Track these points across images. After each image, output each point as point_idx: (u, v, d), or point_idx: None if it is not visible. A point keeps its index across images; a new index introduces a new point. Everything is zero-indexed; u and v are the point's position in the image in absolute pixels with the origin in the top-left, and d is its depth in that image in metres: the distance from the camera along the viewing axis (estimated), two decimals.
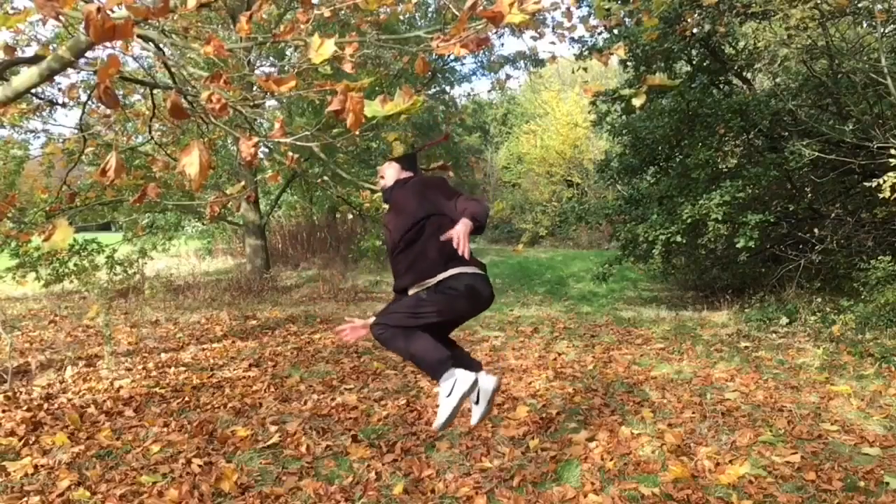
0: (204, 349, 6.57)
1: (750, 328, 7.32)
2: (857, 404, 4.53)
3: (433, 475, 3.44)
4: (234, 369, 5.73)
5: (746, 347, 6.41)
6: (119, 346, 6.61)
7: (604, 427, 4.12)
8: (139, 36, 2.53)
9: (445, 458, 3.68)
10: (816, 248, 8.63)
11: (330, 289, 11.17)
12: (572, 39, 10.64)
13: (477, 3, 1.83)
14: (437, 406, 2.98)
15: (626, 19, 8.09)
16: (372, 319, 2.99)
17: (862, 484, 3.28)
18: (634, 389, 5.02)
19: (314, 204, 17.07)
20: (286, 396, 4.91)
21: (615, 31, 8.71)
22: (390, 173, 3.18)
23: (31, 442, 3.93)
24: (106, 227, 17.76)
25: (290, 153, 3.00)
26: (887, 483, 3.28)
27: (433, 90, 15.62)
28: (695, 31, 7.52)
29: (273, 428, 4.16)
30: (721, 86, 9.89)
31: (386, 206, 3.30)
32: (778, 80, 9.70)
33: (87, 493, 3.23)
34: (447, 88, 16.47)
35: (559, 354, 6.23)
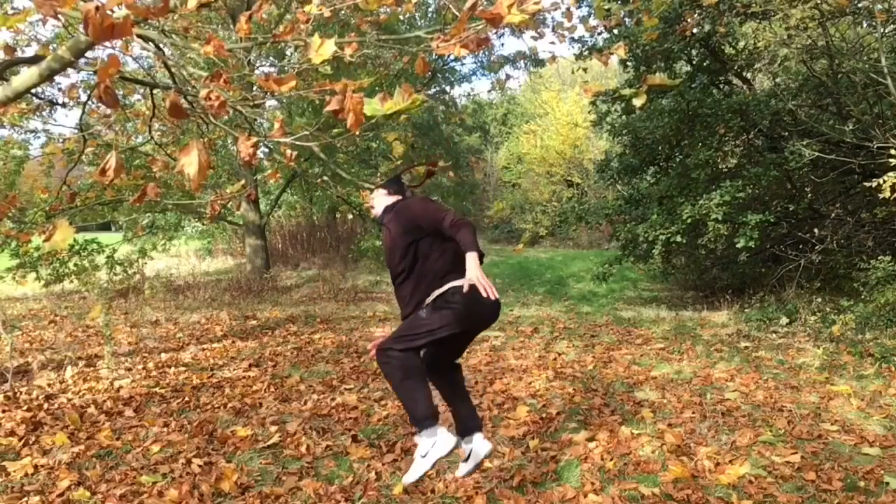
0: (204, 349, 6.57)
1: (750, 328, 7.32)
2: (857, 404, 4.53)
3: (433, 475, 3.44)
4: (234, 369, 5.73)
5: (746, 347, 6.41)
6: (119, 346, 6.61)
7: (604, 427, 4.12)
8: (139, 36, 2.53)
9: (445, 458, 3.68)
10: (816, 248, 8.63)
11: (330, 289, 11.17)
12: (572, 39, 10.65)
13: (477, 3, 1.83)
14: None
15: (626, 19, 8.10)
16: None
17: (862, 484, 3.28)
18: (634, 389, 5.02)
19: (314, 204, 17.07)
20: (286, 396, 4.91)
21: (615, 31, 8.71)
22: (378, 202, 3.13)
23: (31, 442, 3.93)
24: (106, 227, 17.76)
25: (290, 151, 3.00)
26: (887, 483, 3.28)
27: (433, 90, 15.62)
28: (695, 31, 7.52)
29: (273, 428, 4.16)
30: (721, 86, 9.90)
31: None
32: (778, 80, 9.70)
33: (87, 493, 3.23)
34: (447, 88, 16.47)
35: (559, 354, 6.23)
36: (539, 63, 14.27)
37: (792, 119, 8.92)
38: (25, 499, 3.19)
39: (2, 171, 9.46)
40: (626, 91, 3.43)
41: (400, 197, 3.10)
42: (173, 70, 3.35)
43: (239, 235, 15.70)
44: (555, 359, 6.02)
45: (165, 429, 4.18)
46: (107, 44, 1.46)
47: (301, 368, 5.78)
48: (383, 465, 3.57)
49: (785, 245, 9.42)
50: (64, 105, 6.72)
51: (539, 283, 12.96)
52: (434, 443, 2.81)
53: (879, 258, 6.96)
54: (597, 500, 3.14)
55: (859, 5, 7.29)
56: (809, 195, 9.12)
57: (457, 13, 1.97)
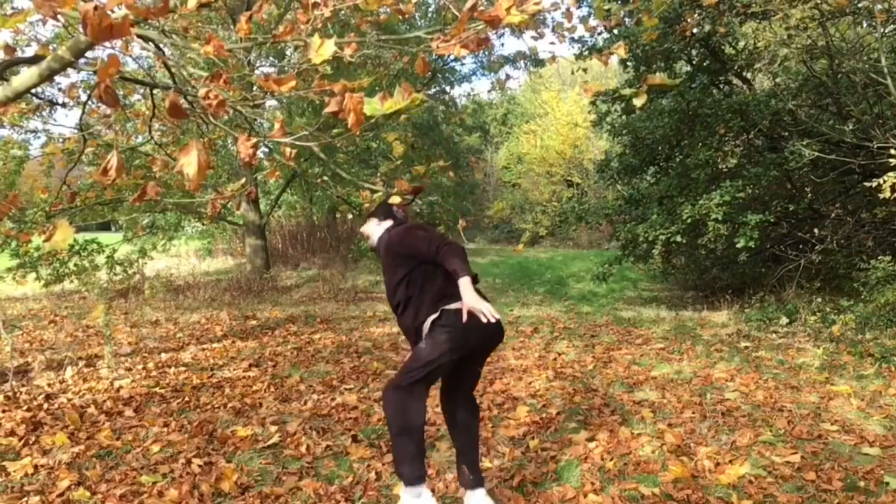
0: (204, 349, 6.57)
1: (750, 328, 7.32)
2: (857, 404, 4.53)
3: (433, 475, 3.44)
4: (234, 369, 5.73)
5: (746, 347, 6.41)
6: (119, 347, 6.61)
7: (604, 427, 4.12)
8: (139, 36, 2.53)
9: (445, 458, 3.68)
10: (816, 248, 8.63)
11: (330, 289, 11.17)
12: (572, 39, 10.64)
13: (477, 4, 1.83)
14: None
15: (626, 19, 8.10)
16: None
17: (862, 484, 3.28)
18: (634, 389, 5.02)
19: (314, 204, 17.08)
20: (286, 396, 4.91)
21: (615, 31, 8.71)
22: (371, 230, 3.12)
23: (31, 442, 3.93)
24: (106, 227, 17.76)
25: (290, 151, 2.99)
26: (887, 483, 3.28)
27: (433, 90, 15.62)
28: (695, 31, 7.52)
29: (273, 428, 4.16)
30: (721, 86, 9.90)
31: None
32: (778, 80, 9.70)
33: (87, 493, 3.23)
34: (447, 88, 16.48)
35: (559, 354, 6.23)
36: (539, 63, 14.27)
37: (792, 119, 8.92)
38: (25, 499, 3.19)
39: (2, 171, 9.46)
40: (626, 91, 3.43)
41: (391, 222, 3.08)
42: (173, 70, 3.35)
43: (239, 235, 15.71)
44: (555, 359, 6.02)
45: (165, 429, 4.18)
46: (107, 44, 1.46)
47: (301, 368, 5.78)
48: (383, 465, 3.57)
49: (785, 245, 9.42)
50: (64, 105, 6.73)
51: (539, 283, 12.96)
52: (416, 502, 2.76)
53: (879, 258, 6.97)
54: (597, 500, 3.14)
55: (859, 5, 7.29)
56: (809, 195, 9.12)
57: (457, 13, 1.97)
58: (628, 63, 9.64)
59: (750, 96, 8.85)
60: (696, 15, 7.94)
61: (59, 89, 7.96)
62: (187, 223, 14.83)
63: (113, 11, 1.89)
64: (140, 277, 11.09)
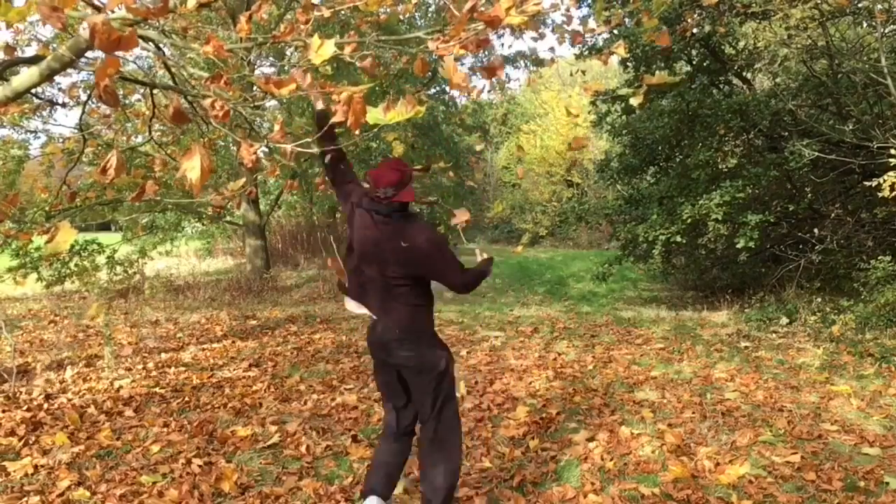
0: (204, 349, 6.57)
1: (750, 328, 7.32)
2: (857, 404, 4.54)
3: None
4: (234, 369, 5.73)
5: (746, 347, 6.41)
6: (119, 347, 6.61)
7: (604, 427, 4.12)
8: (139, 36, 2.53)
9: None
10: (816, 248, 8.63)
11: (330, 289, 11.16)
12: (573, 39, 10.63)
13: (476, 4, 1.83)
14: None
15: (627, 19, 8.09)
16: None
17: (862, 484, 3.28)
18: (634, 389, 5.02)
19: (314, 204, 17.07)
20: (286, 396, 4.91)
21: (615, 31, 8.71)
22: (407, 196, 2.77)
23: (31, 442, 3.93)
24: (106, 227, 17.76)
25: (290, 151, 2.99)
26: (887, 483, 3.28)
27: (433, 90, 15.61)
28: (695, 31, 7.51)
29: (273, 428, 4.16)
30: (721, 86, 9.90)
31: None
32: (778, 80, 9.70)
33: (87, 493, 3.23)
34: (447, 88, 16.45)
35: (559, 354, 6.23)
36: (539, 63, 14.26)
37: (792, 119, 8.92)
38: (25, 499, 3.19)
39: (2, 170, 9.46)
40: (624, 91, 3.43)
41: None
42: (173, 70, 3.35)
43: (239, 235, 15.70)
44: (555, 359, 6.02)
45: (165, 429, 4.18)
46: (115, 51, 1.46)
47: (301, 368, 5.78)
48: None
49: (785, 245, 9.42)
50: (64, 105, 6.73)
51: (539, 283, 12.96)
52: None
53: (879, 258, 6.97)
54: (597, 500, 3.14)
55: (859, 5, 7.29)
56: (809, 195, 9.12)
57: (457, 13, 1.98)
58: (628, 63, 9.64)
59: (750, 96, 8.85)
60: (695, 15, 7.95)
61: (59, 89, 7.96)
62: (187, 223, 14.82)
63: (113, 11, 1.89)
64: (140, 277, 11.09)
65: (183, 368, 5.74)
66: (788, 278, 8.87)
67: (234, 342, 6.90)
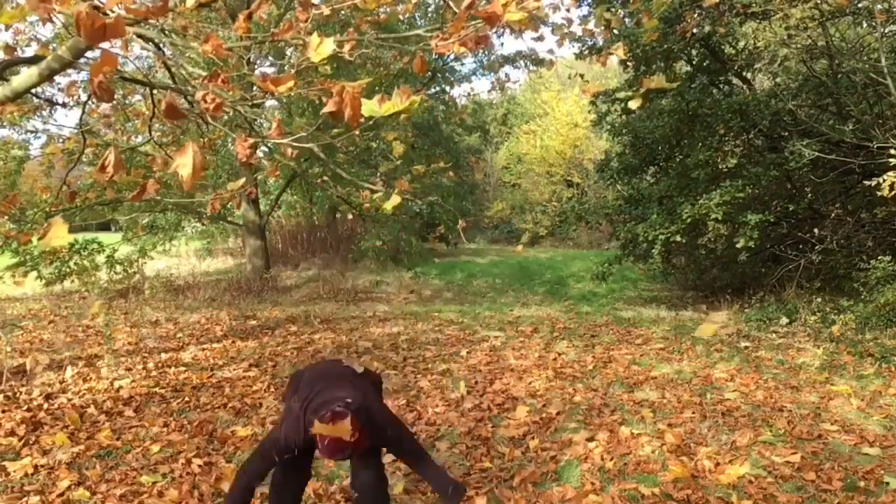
0: (204, 349, 6.57)
1: (750, 328, 7.32)
2: (857, 404, 4.53)
3: None
4: (234, 369, 5.73)
5: (746, 347, 6.41)
6: (119, 346, 6.61)
7: (604, 427, 4.12)
8: (139, 35, 2.53)
9: (445, 458, 3.68)
10: (816, 248, 8.63)
11: (330, 289, 11.17)
12: (573, 39, 10.64)
13: (475, 2, 1.83)
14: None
15: (626, 19, 8.09)
16: None
17: (862, 484, 3.28)
18: (634, 389, 5.02)
19: (314, 204, 17.07)
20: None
21: (615, 31, 8.71)
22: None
23: (31, 442, 3.93)
24: (106, 227, 17.77)
25: (290, 150, 2.99)
26: (887, 483, 3.28)
27: (433, 90, 15.61)
28: (695, 31, 7.51)
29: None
30: (721, 86, 9.89)
31: None
32: (778, 80, 9.69)
33: (87, 493, 3.23)
34: (447, 88, 16.46)
35: (559, 354, 6.22)
36: (539, 62, 14.26)
37: (792, 119, 8.91)
38: (25, 499, 3.19)
39: (2, 170, 9.46)
40: (623, 94, 3.43)
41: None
42: (173, 70, 3.35)
43: (239, 235, 15.70)
44: (555, 359, 6.02)
45: (165, 429, 4.18)
46: (106, 44, 1.45)
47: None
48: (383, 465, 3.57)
49: (785, 245, 9.42)
50: (64, 105, 6.73)
51: (539, 283, 12.96)
52: None
53: (879, 258, 6.96)
54: (597, 500, 3.14)
55: (859, 5, 7.29)
56: (809, 195, 9.12)
57: (456, 10, 1.97)
58: (628, 63, 9.64)
59: (750, 96, 8.84)
60: (695, 15, 7.94)
61: (59, 89, 7.96)
62: (187, 223, 14.82)
63: (112, 11, 1.89)
64: (140, 277, 11.09)
65: (183, 368, 5.74)
66: (788, 278, 8.86)
67: (234, 342, 6.90)
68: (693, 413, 4.39)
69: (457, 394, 4.88)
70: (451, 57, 13.62)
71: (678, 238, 8.30)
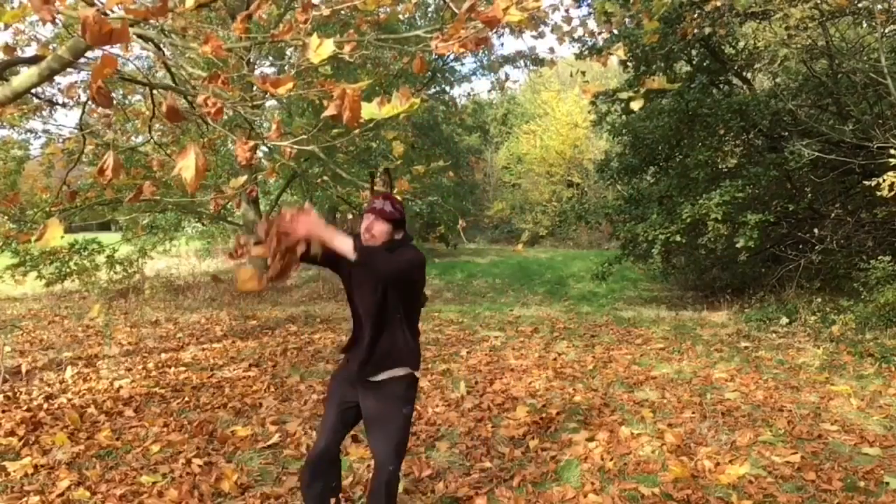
0: (204, 349, 6.57)
1: (750, 328, 7.32)
2: (857, 404, 4.53)
3: (433, 475, 3.44)
4: (234, 369, 5.73)
5: (746, 347, 6.41)
6: (119, 346, 6.61)
7: (604, 427, 4.12)
8: (139, 36, 2.53)
9: (445, 458, 3.68)
10: (816, 248, 8.63)
11: (330, 289, 11.17)
12: (572, 39, 10.64)
13: (475, 4, 1.83)
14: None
15: (627, 20, 8.08)
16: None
17: (862, 484, 3.28)
18: (634, 389, 5.02)
19: (314, 204, 17.06)
20: (286, 396, 4.91)
21: (615, 31, 8.71)
22: (381, 232, 2.53)
23: (31, 442, 3.92)
24: (106, 227, 17.76)
25: (289, 150, 2.99)
26: (887, 483, 3.28)
27: (433, 90, 15.61)
28: (695, 31, 7.51)
29: (273, 428, 4.16)
30: (721, 86, 9.90)
31: None
32: (778, 80, 9.70)
33: (87, 493, 3.23)
34: (447, 88, 16.47)
35: (559, 354, 6.22)
36: (539, 62, 14.25)
37: (792, 119, 8.92)
38: (25, 499, 3.19)
39: (2, 171, 9.46)
40: (624, 94, 3.44)
41: (403, 235, 2.62)
42: (173, 70, 3.36)
43: (239, 235, 15.68)
44: (555, 359, 6.02)
45: (165, 429, 4.18)
46: (106, 45, 1.45)
47: (301, 368, 5.78)
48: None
49: (785, 245, 9.42)
50: (64, 105, 6.72)
51: (539, 283, 12.96)
52: None
53: (879, 258, 6.97)
54: (597, 500, 3.14)
55: (859, 5, 7.29)
56: (809, 195, 9.12)
57: (456, 11, 1.98)
58: (628, 63, 9.64)
59: (750, 96, 8.85)
60: (695, 16, 7.94)
61: (59, 89, 7.95)
62: (187, 223, 14.82)
63: (112, 11, 1.89)
64: (140, 277, 11.09)
65: (183, 368, 5.74)
66: (788, 278, 8.87)
67: (234, 342, 6.90)
68: (693, 413, 4.39)
69: (457, 394, 4.88)
70: (451, 57, 13.63)
71: (678, 238, 8.31)
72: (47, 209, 6.78)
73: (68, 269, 9.14)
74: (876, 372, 5.36)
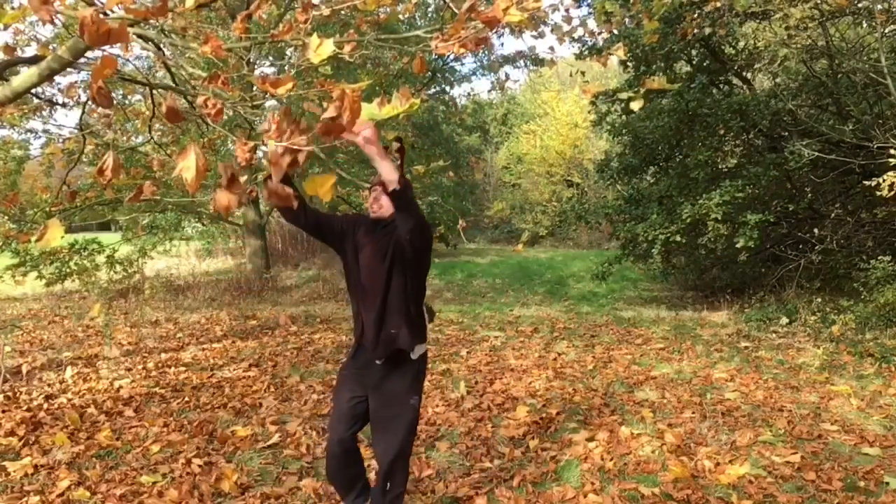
0: (204, 349, 6.57)
1: (750, 328, 7.32)
2: (857, 404, 4.53)
3: (433, 475, 3.44)
4: (234, 369, 5.73)
5: (746, 347, 6.41)
6: (119, 346, 6.61)
7: (604, 427, 4.12)
8: (139, 36, 2.53)
9: (445, 458, 3.68)
10: (816, 248, 8.63)
11: (330, 289, 11.17)
12: (572, 39, 10.64)
13: (475, 4, 1.83)
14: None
15: (627, 20, 8.07)
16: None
17: (862, 484, 3.28)
18: (634, 389, 5.02)
19: (314, 204, 17.06)
20: (286, 396, 4.91)
21: (615, 31, 8.70)
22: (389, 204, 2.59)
23: (31, 442, 3.93)
24: (106, 227, 17.76)
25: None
26: (887, 483, 3.28)
27: (433, 90, 15.61)
28: (695, 31, 7.51)
29: (273, 428, 4.16)
30: (721, 86, 9.90)
31: None
32: (778, 80, 9.70)
33: (87, 493, 3.23)
34: (447, 88, 16.47)
35: (559, 354, 6.23)
36: (539, 62, 14.25)
37: (792, 119, 8.92)
38: (25, 499, 3.19)
39: (2, 171, 9.46)
40: (624, 94, 3.43)
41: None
42: (173, 70, 3.36)
43: (239, 235, 15.70)
44: (555, 359, 6.02)
45: (165, 429, 4.18)
46: (107, 46, 1.45)
47: (301, 368, 5.78)
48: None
49: (785, 245, 9.42)
50: (64, 105, 6.72)
51: (539, 283, 12.96)
52: None
53: (879, 258, 6.97)
54: (597, 500, 3.14)
55: (859, 5, 7.29)
56: (809, 195, 9.12)
57: (456, 11, 1.98)
58: (628, 63, 9.64)
59: (750, 96, 8.84)
60: (695, 16, 7.94)
61: (59, 89, 7.94)
62: (187, 223, 14.81)
63: (113, 11, 1.89)
64: (140, 277, 11.09)
65: (183, 368, 5.74)
66: (788, 278, 8.87)
67: (234, 342, 6.90)
68: (693, 413, 4.39)
69: (457, 394, 4.88)
70: (451, 57, 13.62)
71: (678, 238, 8.31)
72: (47, 209, 6.78)
73: (68, 269, 9.13)
74: (876, 372, 5.36)
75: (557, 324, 7.98)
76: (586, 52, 9.27)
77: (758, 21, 8.17)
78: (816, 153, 7.82)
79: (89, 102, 4.18)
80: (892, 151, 6.13)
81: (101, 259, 9.76)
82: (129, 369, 5.73)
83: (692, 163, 8.82)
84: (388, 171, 2.27)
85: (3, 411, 4.48)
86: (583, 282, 12.77)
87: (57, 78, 6.28)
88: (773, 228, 9.41)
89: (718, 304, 8.89)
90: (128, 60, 3.34)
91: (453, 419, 4.31)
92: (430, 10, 14.64)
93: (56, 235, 1.61)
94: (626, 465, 3.54)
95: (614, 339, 6.96)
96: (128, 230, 11.96)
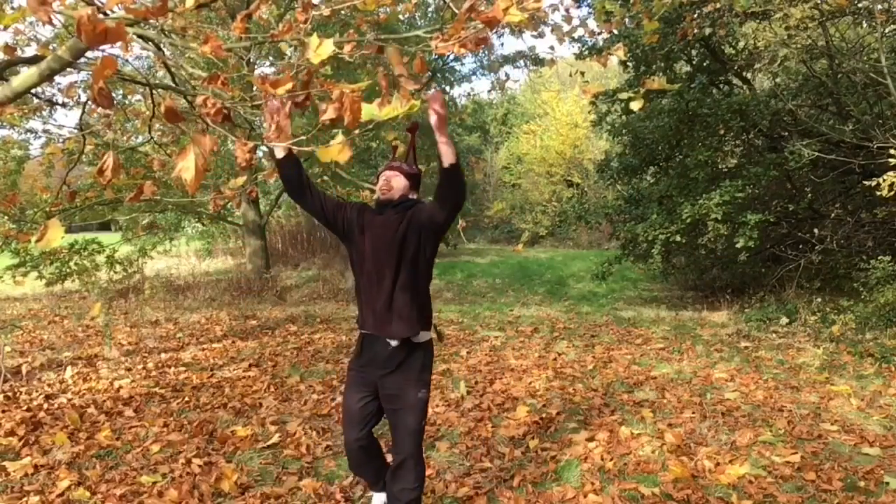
0: (204, 349, 6.57)
1: (750, 328, 7.32)
2: (857, 404, 4.53)
3: (433, 475, 3.44)
4: (234, 369, 5.73)
5: (746, 347, 6.41)
6: (119, 346, 6.61)
7: (604, 427, 4.12)
8: (139, 36, 2.53)
9: (445, 458, 3.68)
10: (816, 248, 8.63)
11: (330, 289, 11.17)
12: (572, 39, 10.64)
13: (475, 4, 1.83)
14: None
15: (627, 20, 8.08)
16: None
17: (862, 484, 3.28)
18: (634, 389, 5.02)
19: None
20: (286, 396, 4.91)
21: (615, 31, 8.70)
22: (399, 186, 2.66)
23: (31, 442, 3.93)
24: (106, 227, 17.76)
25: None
26: (887, 483, 3.28)
27: (433, 90, 15.61)
28: (695, 32, 7.51)
29: (273, 428, 4.16)
30: (721, 86, 9.90)
31: None
32: (778, 80, 9.69)
33: (87, 493, 3.23)
34: (447, 88, 16.47)
35: (559, 354, 6.23)
36: (539, 62, 14.26)
37: (792, 119, 8.92)
38: (25, 499, 3.19)
39: (2, 171, 9.45)
40: (624, 95, 3.43)
41: (416, 196, 2.74)
42: (173, 70, 3.36)
43: (239, 235, 15.70)
44: (555, 359, 6.02)
45: (165, 429, 4.18)
46: (106, 46, 1.45)
47: (301, 368, 5.78)
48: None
49: (785, 245, 9.42)
50: (64, 105, 6.71)
51: (539, 283, 12.95)
52: None
53: (879, 258, 6.97)
54: (597, 500, 3.14)
55: (859, 5, 7.28)
56: (809, 195, 9.12)
57: (456, 11, 1.98)
58: (628, 64, 9.64)
59: (750, 96, 8.84)
60: (695, 16, 7.94)
61: (59, 89, 7.94)
62: (187, 223, 14.82)
63: (112, 11, 1.89)
64: (140, 277, 11.09)
65: (183, 368, 5.74)
66: (788, 278, 8.87)
67: (234, 342, 6.90)
68: (693, 413, 4.39)
69: (457, 394, 4.88)
70: (451, 57, 13.63)
71: (678, 238, 8.31)
72: (47, 209, 6.78)
73: (68, 270, 9.13)
74: (876, 372, 5.36)
75: (557, 324, 7.98)
76: (586, 52, 9.27)
77: (758, 21, 8.16)
78: (816, 153, 7.82)
79: (89, 102, 4.18)
80: (892, 151, 6.13)
81: (101, 259, 9.76)
82: (129, 369, 5.73)
83: (692, 163, 8.82)
84: (447, 145, 2.38)
85: (3, 411, 4.48)
86: (583, 282, 12.77)
87: (57, 78, 6.29)
88: (773, 228, 9.42)
89: (718, 304, 8.89)
90: (127, 60, 3.34)
91: (453, 419, 4.31)
92: (430, 10, 14.64)
93: (56, 235, 1.61)
94: (626, 465, 3.54)
95: (614, 339, 6.96)
96: (128, 230, 11.96)
